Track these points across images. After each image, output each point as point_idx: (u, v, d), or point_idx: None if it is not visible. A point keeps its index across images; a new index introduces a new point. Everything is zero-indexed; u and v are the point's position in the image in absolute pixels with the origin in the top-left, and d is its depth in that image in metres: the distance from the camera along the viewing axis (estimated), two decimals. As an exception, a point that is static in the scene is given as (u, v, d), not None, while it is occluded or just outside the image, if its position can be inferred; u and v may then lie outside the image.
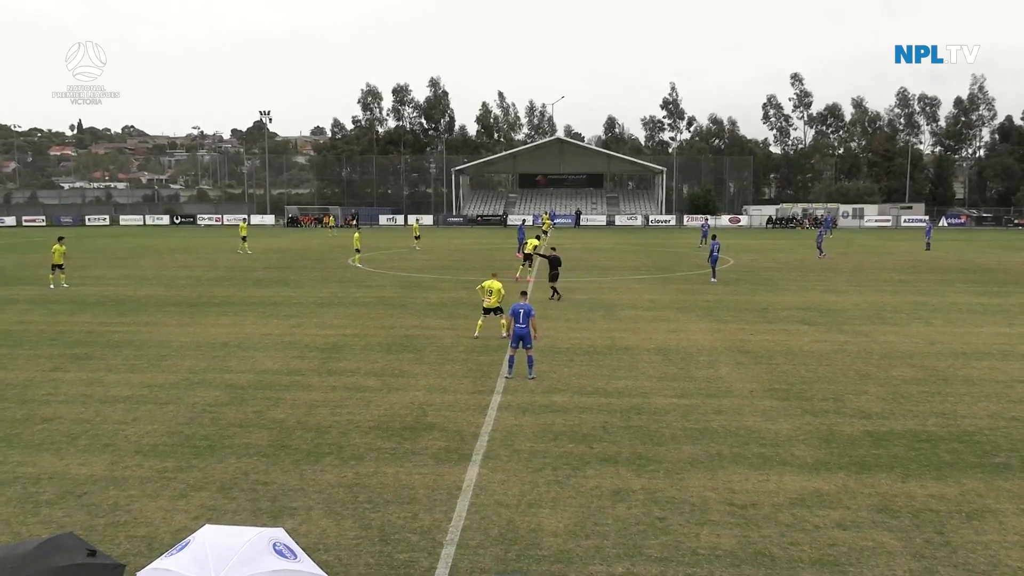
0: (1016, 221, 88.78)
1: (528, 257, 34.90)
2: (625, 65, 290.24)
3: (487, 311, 20.22)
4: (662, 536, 8.70)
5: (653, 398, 14.43)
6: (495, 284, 20.08)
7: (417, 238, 54.86)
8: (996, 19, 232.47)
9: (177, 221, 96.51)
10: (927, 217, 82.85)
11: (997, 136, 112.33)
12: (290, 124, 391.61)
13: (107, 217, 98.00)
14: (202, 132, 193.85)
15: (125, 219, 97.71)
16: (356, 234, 44.05)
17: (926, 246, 51.54)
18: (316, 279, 34.44)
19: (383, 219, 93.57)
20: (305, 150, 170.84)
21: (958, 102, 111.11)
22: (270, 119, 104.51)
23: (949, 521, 9.12)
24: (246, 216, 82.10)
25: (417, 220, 69.96)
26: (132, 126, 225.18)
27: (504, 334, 19.88)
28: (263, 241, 60.11)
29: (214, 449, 11.62)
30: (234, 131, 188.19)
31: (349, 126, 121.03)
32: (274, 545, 4.14)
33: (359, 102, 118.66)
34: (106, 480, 10.38)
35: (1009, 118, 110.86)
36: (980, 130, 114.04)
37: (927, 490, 10.05)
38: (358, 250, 42.49)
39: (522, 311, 15.65)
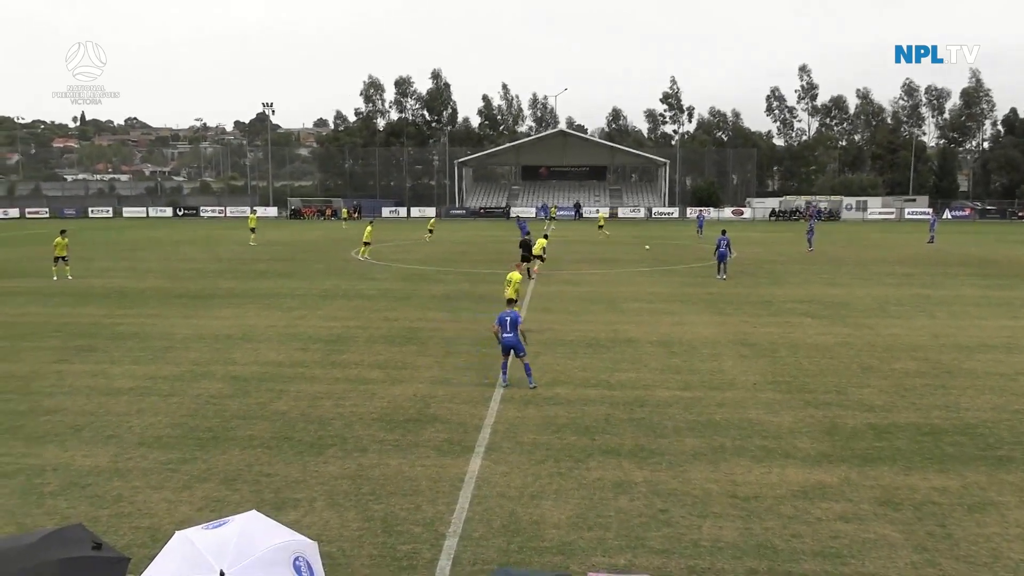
0: (1020, 214, 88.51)
1: (538, 257, 34.56)
2: (630, 57, 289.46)
3: (510, 302, 20.24)
4: (664, 528, 8.71)
5: (656, 390, 14.44)
6: (515, 275, 20.18)
7: (431, 231, 55.44)
8: (999, 13, 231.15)
9: (180, 213, 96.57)
10: (931, 210, 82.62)
11: (1002, 128, 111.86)
12: (293, 116, 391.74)
13: (110, 209, 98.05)
14: (205, 124, 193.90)
15: (128, 211, 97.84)
16: (368, 227, 43.48)
17: (930, 239, 51.33)
18: (319, 271, 34.46)
19: (386, 211, 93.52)
20: (308, 142, 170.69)
21: (964, 93, 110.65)
22: (273, 111, 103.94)
23: (951, 514, 9.12)
24: (254, 207, 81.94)
25: (434, 217, 69.13)
26: (135, 118, 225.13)
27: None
28: (266, 233, 60.06)
29: (218, 441, 11.65)
30: (237, 123, 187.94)
31: (352, 118, 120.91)
32: (295, 560, 4.07)
33: (361, 94, 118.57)
34: (110, 471, 10.41)
35: (1014, 110, 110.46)
36: (983, 123, 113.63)
37: (930, 483, 10.06)
38: (367, 243, 41.62)
39: (508, 319, 14.75)
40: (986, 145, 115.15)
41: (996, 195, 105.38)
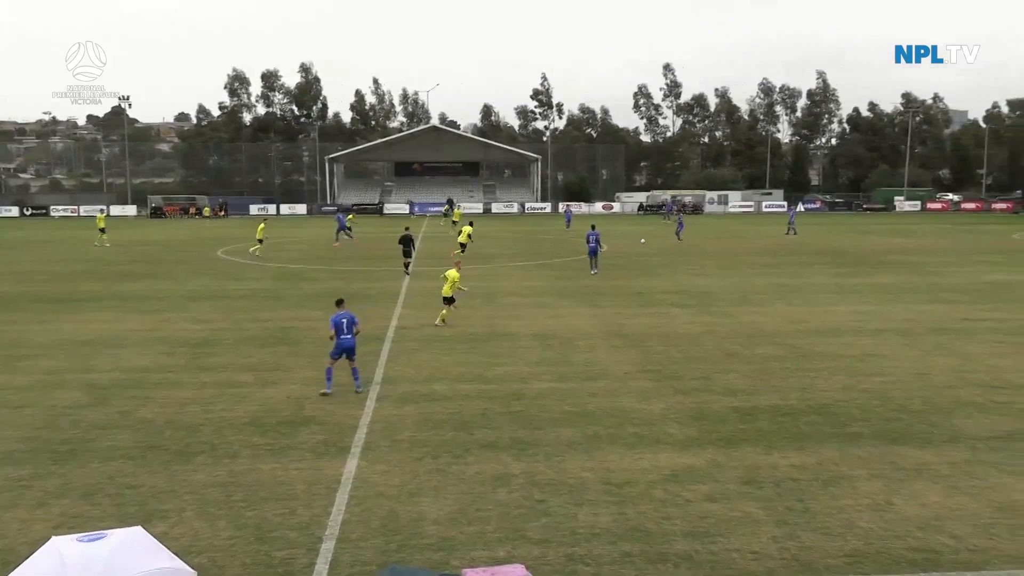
0: (865, 206, 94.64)
1: (463, 245, 35.33)
2: (502, 52, 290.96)
3: (445, 300, 20.49)
4: (542, 518, 8.86)
5: (532, 383, 14.65)
6: (452, 273, 20.32)
7: (349, 229, 53.18)
8: (843, 13, 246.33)
9: (28, 213, 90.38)
10: (786, 204, 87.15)
11: (847, 126, 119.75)
12: (152, 110, 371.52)
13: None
14: (54, 118, 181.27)
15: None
16: (261, 224, 42.21)
17: (790, 230, 53.65)
18: (186, 272, 33.08)
19: (254, 208, 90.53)
20: (169, 137, 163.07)
21: (809, 94, 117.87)
22: (129, 104, 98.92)
23: (809, 489, 9.69)
24: (103, 207, 77.56)
25: (352, 214, 65.69)
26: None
27: (438, 322, 20.15)
28: (126, 233, 57.17)
29: (75, 453, 11.01)
30: (90, 117, 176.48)
31: (216, 112, 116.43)
32: None
33: (225, 87, 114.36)
34: (-46, 492, 9.66)
35: (857, 110, 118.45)
36: (831, 120, 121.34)
37: (789, 460, 10.65)
38: (260, 240, 40.31)
39: (345, 320, 14.06)
40: (834, 142, 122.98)
41: (843, 188, 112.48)
